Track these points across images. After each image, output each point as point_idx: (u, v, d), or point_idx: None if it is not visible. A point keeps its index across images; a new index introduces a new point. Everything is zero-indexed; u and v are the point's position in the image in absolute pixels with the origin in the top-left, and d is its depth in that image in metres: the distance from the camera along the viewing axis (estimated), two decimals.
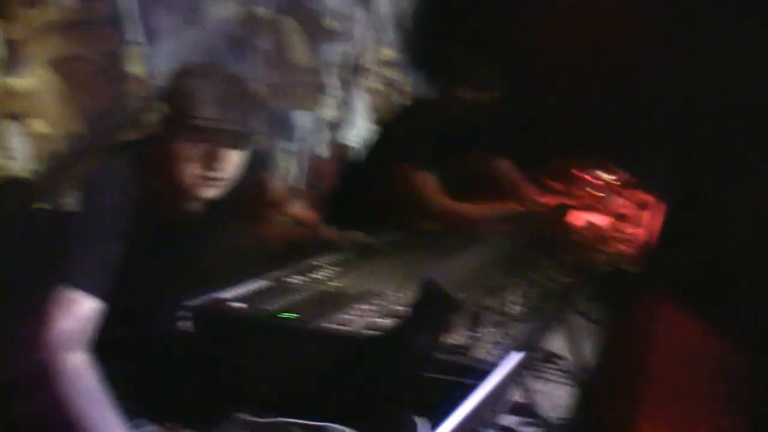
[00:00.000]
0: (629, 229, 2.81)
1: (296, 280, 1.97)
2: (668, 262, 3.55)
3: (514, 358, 0.98)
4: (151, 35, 3.42)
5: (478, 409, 0.94)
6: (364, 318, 1.58)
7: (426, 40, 3.62)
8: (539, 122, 4.62)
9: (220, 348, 1.69)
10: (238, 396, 1.59)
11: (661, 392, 2.91)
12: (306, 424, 1.40)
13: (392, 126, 2.91)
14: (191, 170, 1.68)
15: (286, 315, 1.65)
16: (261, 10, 4.01)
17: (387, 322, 1.53)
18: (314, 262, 2.15)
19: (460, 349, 1.41)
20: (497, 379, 0.93)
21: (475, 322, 1.40)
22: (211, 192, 1.74)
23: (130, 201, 1.65)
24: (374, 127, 3.12)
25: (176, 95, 1.68)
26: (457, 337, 1.48)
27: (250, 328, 1.66)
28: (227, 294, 1.82)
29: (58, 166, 3.04)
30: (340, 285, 1.90)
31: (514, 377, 1.33)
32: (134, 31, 3.38)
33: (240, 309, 1.73)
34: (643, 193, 3.23)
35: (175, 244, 1.87)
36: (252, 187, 2.17)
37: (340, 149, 4.56)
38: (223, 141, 1.68)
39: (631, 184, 3.24)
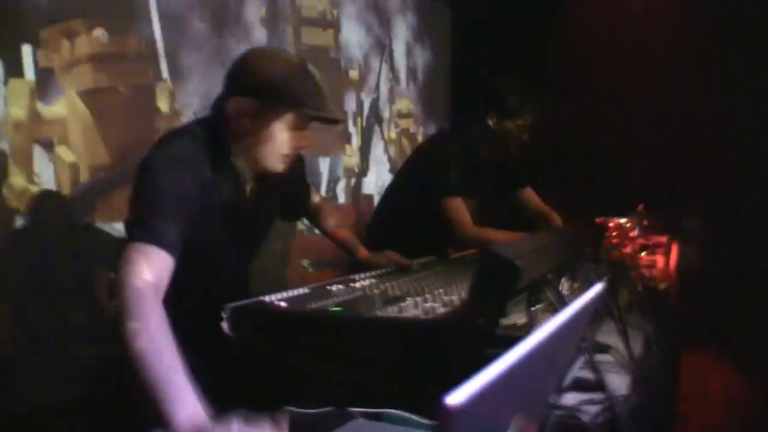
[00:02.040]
0: (649, 257, 2.98)
1: (334, 287, 1.96)
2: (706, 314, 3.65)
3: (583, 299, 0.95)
4: (177, 73, 3.49)
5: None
6: (418, 308, 1.56)
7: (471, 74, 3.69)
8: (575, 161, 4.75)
9: (265, 347, 1.67)
10: (289, 392, 1.57)
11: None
12: (364, 411, 1.37)
13: (431, 159, 2.96)
14: (279, 148, 1.86)
15: (335, 309, 1.64)
16: None
17: (444, 309, 1.52)
18: (350, 276, 2.14)
19: (521, 328, 1.40)
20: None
21: (534, 299, 1.39)
22: (281, 167, 1.91)
23: (200, 174, 1.77)
24: (413, 160, 3.18)
25: (282, 84, 1.80)
26: (516, 316, 1.47)
27: (298, 325, 1.64)
28: (266, 297, 1.81)
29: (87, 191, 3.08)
30: (383, 289, 1.88)
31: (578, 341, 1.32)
32: (162, 68, 3.46)
33: (285, 307, 1.71)
34: (658, 234, 3.44)
35: (234, 218, 1.95)
36: (296, 188, 2.30)
37: (359, 196, 4.60)
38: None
39: (648, 228, 3.43)
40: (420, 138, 5.25)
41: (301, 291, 1.90)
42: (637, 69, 4.77)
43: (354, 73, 4.62)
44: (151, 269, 1.52)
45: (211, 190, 1.81)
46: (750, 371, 3.83)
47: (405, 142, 5.15)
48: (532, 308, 1.40)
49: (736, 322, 4.07)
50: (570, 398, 1.29)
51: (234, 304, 1.72)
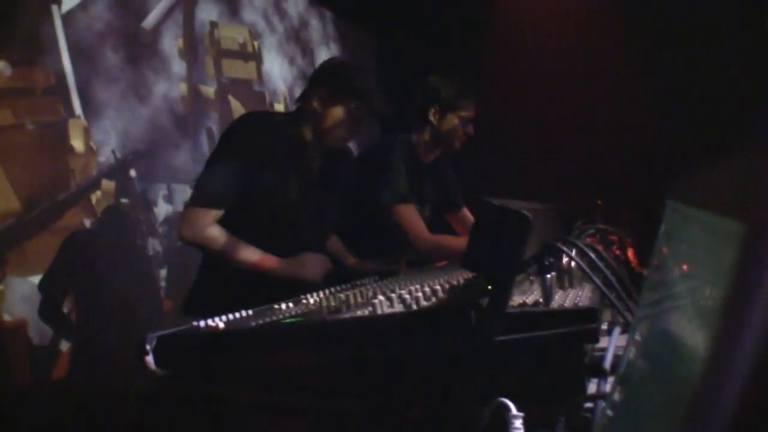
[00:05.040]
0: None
1: (282, 306, 1.53)
2: None
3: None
4: (91, 108, 3.04)
5: None
6: (394, 305, 1.15)
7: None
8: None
9: (201, 381, 1.24)
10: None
11: None
12: None
13: (375, 164, 2.60)
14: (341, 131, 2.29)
15: (290, 320, 1.22)
16: (206, 89, 3.71)
17: (429, 301, 1.12)
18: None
19: (536, 303, 1.02)
20: None
21: (545, 267, 1.01)
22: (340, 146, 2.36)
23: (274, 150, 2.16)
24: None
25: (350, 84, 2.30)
26: (519, 297, 1.08)
27: (240, 346, 1.21)
28: (200, 322, 1.36)
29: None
30: (344, 298, 1.46)
31: None
32: (74, 103, 3.00)
33: (223, 328, 1.28)
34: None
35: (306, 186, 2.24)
36: None
37: None
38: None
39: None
40: None
41: (243, 313, 1.47)
42: (563, 70, 4.50)
43: (279, 107, 4.24)
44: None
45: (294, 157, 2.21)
46: None
47: None
48: (548, 276, 1.01)
49: None
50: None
51: (159, 332, 1.28)
